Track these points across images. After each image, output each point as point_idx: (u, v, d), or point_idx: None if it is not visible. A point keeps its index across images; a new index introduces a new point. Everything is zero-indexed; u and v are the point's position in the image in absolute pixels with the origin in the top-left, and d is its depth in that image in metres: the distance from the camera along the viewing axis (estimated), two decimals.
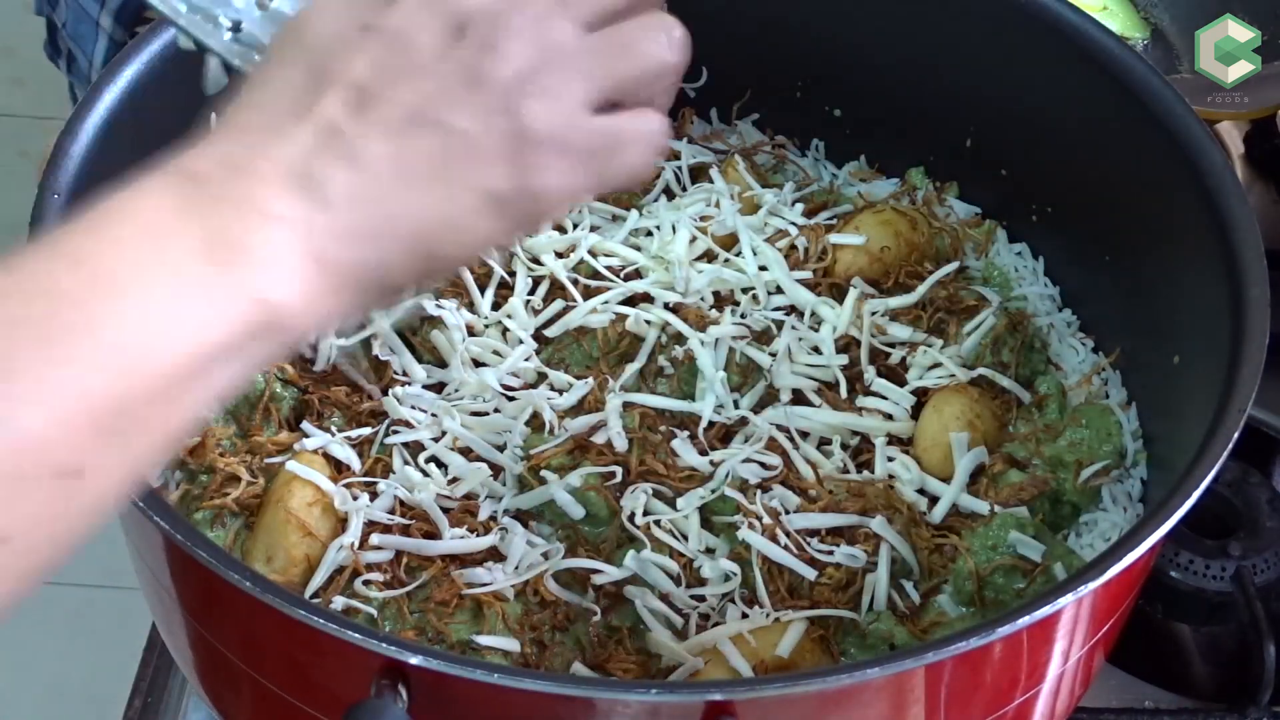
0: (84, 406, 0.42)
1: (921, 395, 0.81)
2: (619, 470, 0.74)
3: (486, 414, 0.77)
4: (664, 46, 0.52)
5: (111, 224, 0.45)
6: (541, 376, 0.80)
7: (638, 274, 0.85)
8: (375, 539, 0.72)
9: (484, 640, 0.68)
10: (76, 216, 0.45)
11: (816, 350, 0.82)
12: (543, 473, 0.74)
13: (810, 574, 0.71)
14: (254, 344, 0.46)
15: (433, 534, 0.72)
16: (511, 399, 0.78)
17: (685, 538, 0.73)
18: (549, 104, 0.49)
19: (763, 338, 0.82)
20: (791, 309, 0.84)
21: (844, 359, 0.81)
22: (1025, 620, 0.57)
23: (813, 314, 0.83)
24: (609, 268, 0.85)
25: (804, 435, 0.78)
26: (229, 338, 0.45)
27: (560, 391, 0.79)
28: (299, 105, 0.49)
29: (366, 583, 0.70)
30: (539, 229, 0.58)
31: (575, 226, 0.87)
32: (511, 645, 0.68)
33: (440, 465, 0.75)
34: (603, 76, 0.50)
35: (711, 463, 0.76)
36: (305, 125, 0.48)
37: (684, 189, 0.92)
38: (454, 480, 0.74)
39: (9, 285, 0.43)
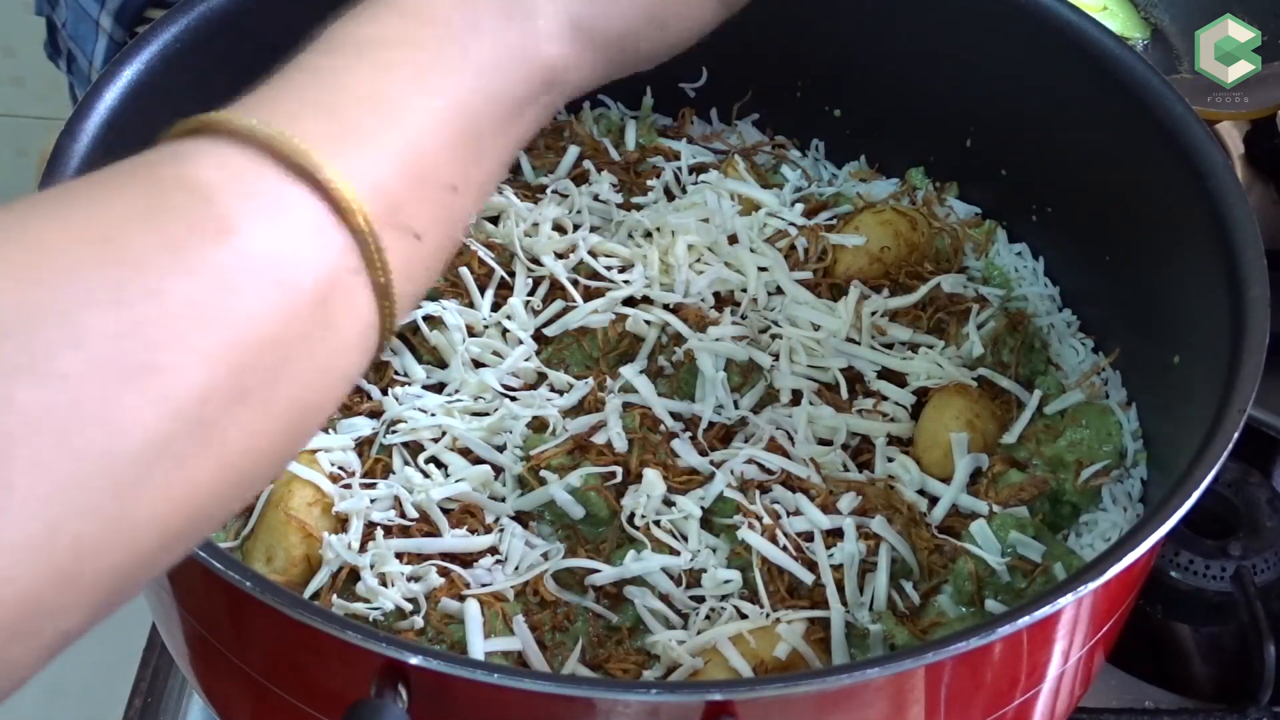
0: (456, 130, 0.48)
1: (921, 395, 0.81)
2: (619, 470, 0.74)
3: (486, 414, 0.77)
4: None
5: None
6: (541, 377, 0.80)
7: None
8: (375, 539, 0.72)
9: (485, 642, 0.68)
10: None
11: (816, 351, 0.82)
12: (543, 473, 0.74)
13: (808, 577, 0.71)
14: (543, 94, 0.52)
15: (432, 534, 0.72)
16: (512, 399, 0.78)
17: (685, 538, 0.73)
18: None
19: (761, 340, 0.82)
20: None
21: (844, 359, 0.81)
22: (1025, 620, 0.57)
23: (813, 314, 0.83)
24: (609, 268, 0.85)
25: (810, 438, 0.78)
26: (528, 87, 0.51)
27: (560, 392, 0.79)
28: None
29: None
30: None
31: (576, 228, 0.87)
32: (512, 645, 0.68)
33: (440, 465, 0.75)
34: None
35: (712, 463, 0.76)
36: None
37: (684, 189, 0.92)
38: (454, 480, 0.74)
39: (347, 31, 0.49)
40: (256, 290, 0.41)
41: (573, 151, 0.91)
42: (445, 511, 0.73)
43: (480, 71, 0.50)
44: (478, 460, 0.75)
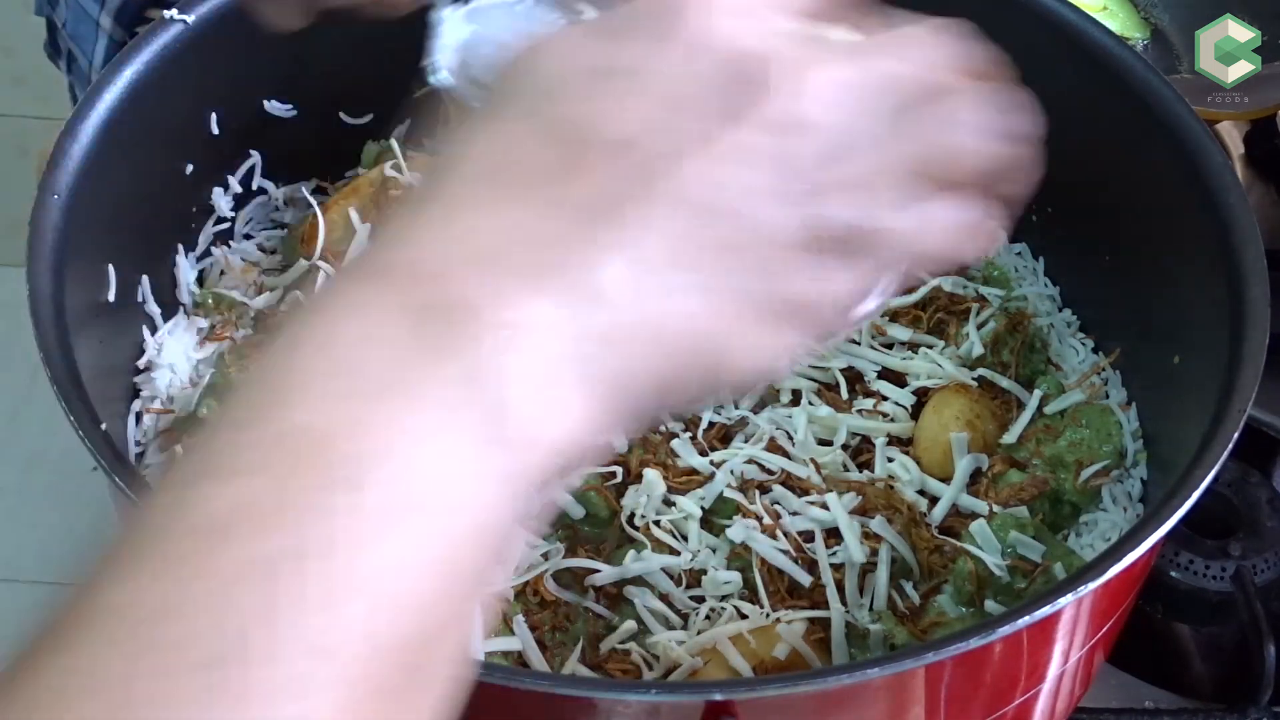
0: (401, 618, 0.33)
1: (921, 395, 0.81)
2: (619, 470, 0.74)
3: None
4: (973, 132, 0.43)
5: (335, 364, 0.35)
6: None
7: None
8: None
9: (485, 642, 0.68)
10: (272, 366, 0.35)
11: (816, 350, 0.82)
12: None
13: (806, 579, 0.71)
14: (549, 486, 0.37)
15: None
16: None
17: (685, 538, 0.73)
18: (857, 196, 0.39)
19: None
20: None
21: (844, 359, 0.81)
22: (1025, 620, 0.57)
23: None
24: None
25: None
26: (524, 487, 0.36)
27: None
28: (549, 170, 0.38)
29: None
30: (828, 342, 0.48)
31: None
32: (512, 645, 0.68)
33: None
34: (915, 161, 0.41)
35: (712, 463, 0.76)
36: (564, 192, 0.38)
37: None
38: None
39: (277, 500, 0.33)
40: None
41: None
42: None
43: (451, 510, 0.34)
44: None
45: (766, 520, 0.72)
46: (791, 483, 0.75)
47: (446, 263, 0.36)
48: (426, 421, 0.34)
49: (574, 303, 0.37)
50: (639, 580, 0.71)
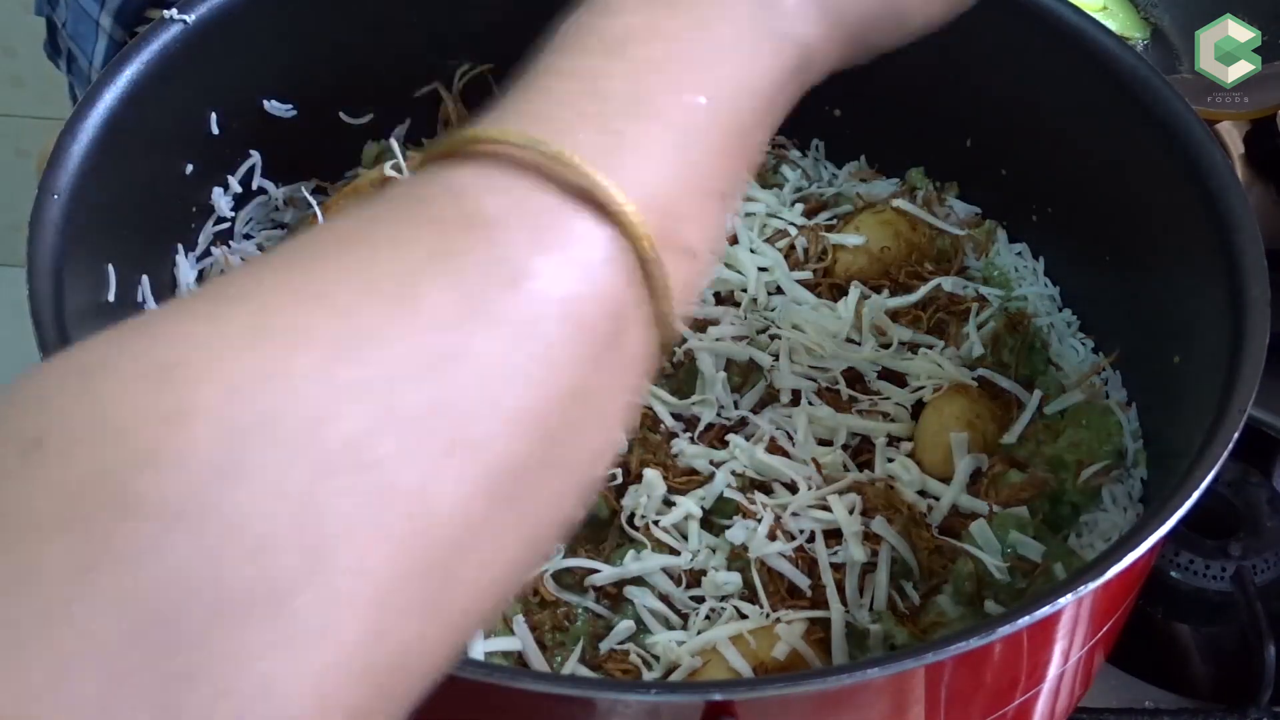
0: (724, 129, 0.43)
1: (922, 395, 0.81)
2: (619, 471, 0.74)
3: None
4: None
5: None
6: None
7: None
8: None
9: (485, 642, 0.68)
10: None
11: (816, 351, 0.82)
12: None
13: (804, 581, 0.71)
14: (793, 81, 0.48)
15: None
16: None
17: (686, 538, 0.73)
18: None
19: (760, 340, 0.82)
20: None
21: (844, 360, 0.81)
22: (1025, 620, 0.57)
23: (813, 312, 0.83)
24: None
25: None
26: (782, 71, 0.47)
27: None
28: None
29: None
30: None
31: None
32: (512, 645, 0.68)
33: None
34: None
35: (712, 463, 0.76)
36: None
37: None
38: None
39: (593, 26, 0.44)
40: (559, 339, 0.37)
41: None
42: None
43: (738, 60, 0.45)
44: None
45: (769, 521, 0.72)
46: (792, 483, 0.75)
47: None
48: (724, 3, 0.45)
49: None
50: (639, 580, 0.71)
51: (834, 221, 0.89)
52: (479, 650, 0.67)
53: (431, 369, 0.34)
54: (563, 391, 0.37)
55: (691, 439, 0.77)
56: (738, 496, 0.74)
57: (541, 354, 0.37)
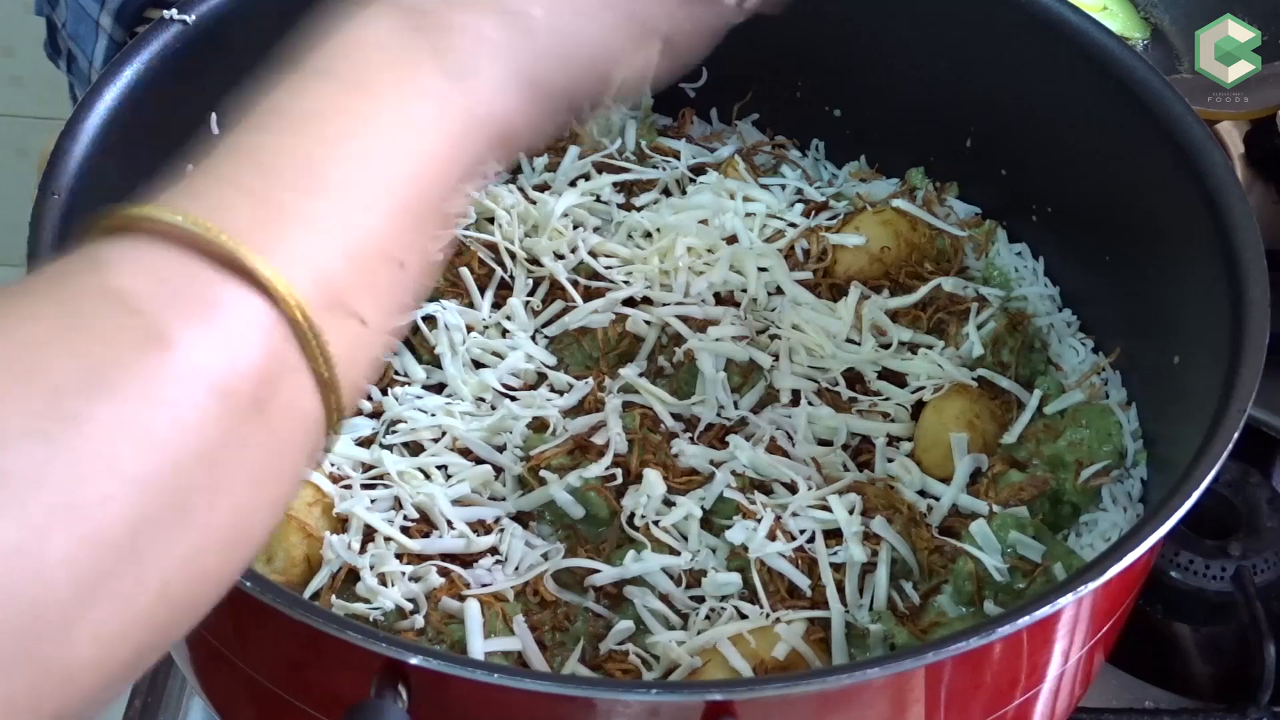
0: (401, 202, 0.46)
1: (922, 395, 0.81)
2: (619, 471, 0.74)
3: (486, 415, 0.77)
4: None
5: (347, 46, 0.49)
6: (541, 377, 0.80)
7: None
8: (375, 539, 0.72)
9: (485, 642, 0.68)
10: (304, 40, 0.49)
11: (816, 351, 0.82)
12: (542, 473, 0.74)
13: (804, 581, 0.71)
14: (491, 153, 0.50)
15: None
16: (512, 399, 0.78)
17: (686, 538, 0.73)
18: None
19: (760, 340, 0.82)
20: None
21: (844, 360, 0.81)
22: (1025, 620, 0.57)
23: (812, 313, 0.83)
24: (609, 269, 0.84)
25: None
26: (475, 147, 0.49)
27: (560, 392, 0.79)
28: None
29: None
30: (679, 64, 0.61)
31: (576, 227, 0.87)
32: (512, 645, 0.68)
33: (440, 466, 0.75)
34: None
35: (712, 463, 0.76)
36: None
37: (683, 190, 0.92)
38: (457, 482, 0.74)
39: (276, 106, 0.46)
40: (190, 403, 0.39)
41: (573, 151, 0.91)
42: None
43: (423, 136, 0.47)
44: (478, 460, 0.75)
45: (769, 521, 0.72)
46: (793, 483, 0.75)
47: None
48: (412, 80, 0.48)
49: (515, 33, 0.51)
50: (639, 580, 0.71)
51: (834, 221, 0.89)
52: (479, 650, 0.67)
53: (44, 433, 0.36)
54: (193, 453, 0.38)
55: (691, 439, 0.77)
56: (738, 496, 0.74)
57: (169, 417, 0.38)
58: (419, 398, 0.78)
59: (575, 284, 0.83)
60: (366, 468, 0.75)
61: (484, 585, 0.70)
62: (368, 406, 0.78)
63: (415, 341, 0.81)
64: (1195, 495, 0.61)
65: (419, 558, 0.71)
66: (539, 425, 0.77)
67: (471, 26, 0.50)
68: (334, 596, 0.69)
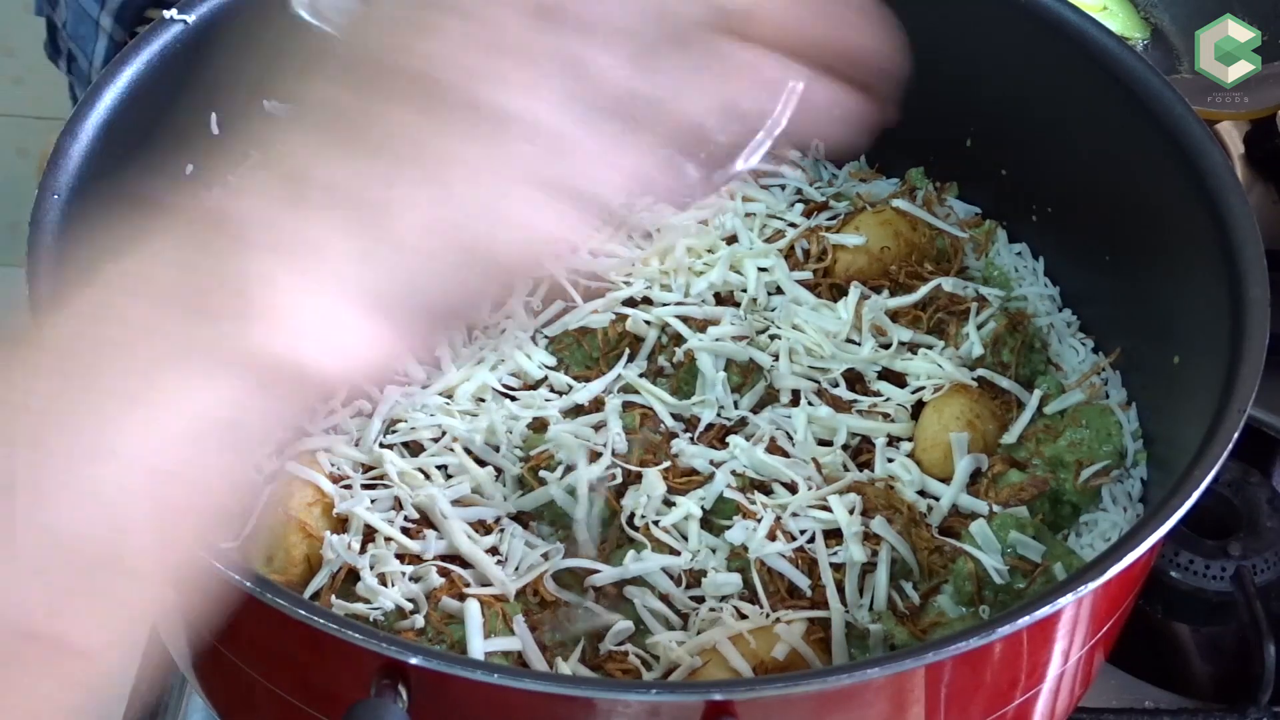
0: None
1: (922, 395, 0.81)
2: (619, 471, 0.74)
3: (486, 415, 0.77)
4: None
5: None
6: (542, 378, 0.80)
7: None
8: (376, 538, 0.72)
9: (485, 642, 0.68)
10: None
11: (816, 351, 0.82)
12: (542, 473, 0.74)
13: (804, 582, 0.71)
14: (280, 394, 0.41)
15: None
16: (512, 399, 0.78)
17: (685, 538, 0.73)
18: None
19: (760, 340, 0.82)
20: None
21: (844, 360, 0.81)
22: (1025, 620, 0.57)
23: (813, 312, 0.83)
24: (608, 269, 0.85)
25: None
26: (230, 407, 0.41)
27: (560, 393, 0.79)
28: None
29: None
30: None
31: None
32: (512, 645, 0.68)
33: (439, 466, 0.75)
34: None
35: (712, 463, 0.76)
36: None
37: None
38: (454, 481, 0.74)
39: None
40: None
41: None
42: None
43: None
44: (478, 461, 0.75)
45: (769, 521, 0.72)
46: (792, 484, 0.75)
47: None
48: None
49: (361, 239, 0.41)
50: (639, 580, 0.71)
51: (834, 221, 0.89)
52: (479, 650, 0.67)
53: None
54: None
55: (691, 439, 0.77)
56: (738, 497, 0.74)
57: None
58: (418, 398, 0.78)
59: (575, 284, 0.84)
60: (366, 468, 0.75)
61: (484, 585, 0.70)
62: (368, 407, 0.78)
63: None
64: (1195, 495, 0.61)
65: (419, 558, 0.71)
66: (539, 425, 0.77)
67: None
68: (334, 596, 0.69)
